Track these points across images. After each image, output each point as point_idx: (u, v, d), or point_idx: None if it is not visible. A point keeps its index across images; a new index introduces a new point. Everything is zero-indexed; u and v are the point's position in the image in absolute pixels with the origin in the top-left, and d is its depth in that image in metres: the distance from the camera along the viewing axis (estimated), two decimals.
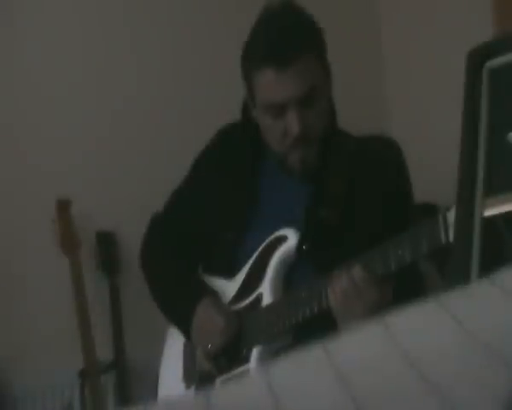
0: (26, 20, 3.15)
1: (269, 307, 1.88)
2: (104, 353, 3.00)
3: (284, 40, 1.80)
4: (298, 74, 1.80)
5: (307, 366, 0.41)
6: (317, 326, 1.73)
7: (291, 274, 1.91)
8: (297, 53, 1.79)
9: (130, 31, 3.30)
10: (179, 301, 2.00)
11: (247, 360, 1.90)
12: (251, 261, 1.94)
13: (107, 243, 3.14)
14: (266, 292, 1.90)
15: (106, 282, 3.12)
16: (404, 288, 1.70)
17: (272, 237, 1.91)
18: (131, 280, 3.04)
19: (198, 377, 2.01)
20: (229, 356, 1.92)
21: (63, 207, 2.96)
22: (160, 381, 2.13)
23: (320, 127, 1.87)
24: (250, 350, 1.89)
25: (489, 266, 1.04)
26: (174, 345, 2.10)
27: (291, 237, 1.88)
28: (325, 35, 1.90)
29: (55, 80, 3.15)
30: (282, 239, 1.89)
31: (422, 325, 0.42)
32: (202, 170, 2.09)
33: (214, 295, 1.98)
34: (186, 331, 1.98)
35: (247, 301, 1.94)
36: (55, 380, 3.00)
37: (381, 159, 1.94)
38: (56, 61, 3.16)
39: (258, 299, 1.91)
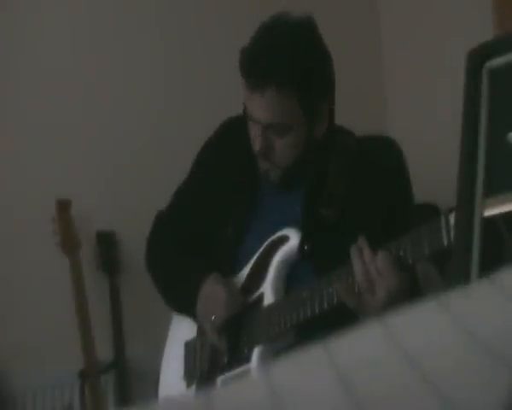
0: (27, 21, 3.15)
1: (270, 306, 1.88)
2: (104, 353, 3.00)
3: (262, 63, 1.77)
4: (267, 103, 1.78)
5: (308, 366, 0.41)
6: (318, 326, 1.73)
7: (291, 274, 1.91)
8: (269, 83, 1.76)
9: (131, 31, 3.30)
10: (184, 284, 1.99)
11: (248, 359, 1.90)
12: (252, 261, 1.95)
13: (107, 243, 3.14)
14: (268, 292, 1.90)
15: (106, 282, 3.12)
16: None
17: (274, 236, 1.91)
18: (131, 280, 3.04)
19: (199, 376, 2.01)
20: (237, 331, 1.92)
21: (63, 207, 2.96)
22: (160, 380, 2.13)
23: (285, 158, 1.85)
24: (251, 350, 1.90)
25: (489, 266, 1.04)
26: (175, 344, 2.10)
27: (293, 237, 1.88)
28: (332, 75, 1.85)
29: (55, 80, 3.15)
30: (284, 239, 1.89)
31: (422, 325, 0.42)
32: (204, 167, 2.09)
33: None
34: (193, 312, 1.98)
35: (249, 301, 1.94)
36: (55, 380, 3.00)
37: (382, 159, 1.94)
38: (57, 62, 3.16)
39: (260, 299, 1.91)
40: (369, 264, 1.65)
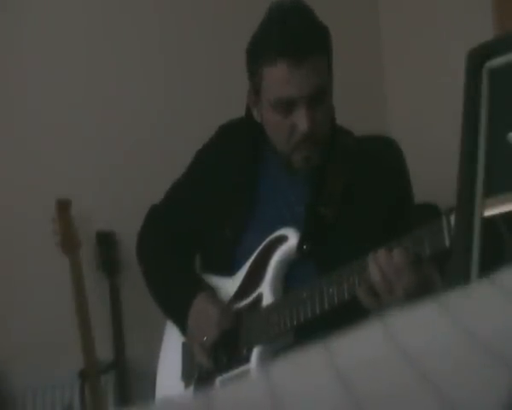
0: (27, 20, 3.15)
1: (269, 306, 1.88)
2: (104, 353, 3.00)
3: (300, 36, 1.80)
4: (311, 72, 1.80)
5: (307, 366, 0.41)
6: (317, 326, 1.73)
7: (292, 274, 1.91)
8: (312, 50, 1.80)
9: (131, 31, 3.30)
10: (176, 297, 2.00)
11: (247, 360, 1.89)
12: (251, 260, 1.94)
13: (107, 243, 3.14)
14: (266, 292, 1.90)
15: (106, 282, 3.12)
16: None
17: (272, 236, 1.91)
18: (131, 280, 3.04)
19: (197, 376, 2.01)
20: (227, 352, 1.92)
21: (63, 207, 2.96)
22: (158, 380, 2.13)
23: (326, 126, 1.88)
24: (250, 350, 1.89)
25: (489, 266, 1.04)
26: (172, 344, 2.09)
27: (291, 237, 1.88)
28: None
29: (56, 80, 3.15)
30: (283, 239, 1.89)
31: (422, 325, 0.42)
32: (202, 166, 2.09)
33: (211, 290, 1.98)
34: (182, 327, 1.98)
35: (248, 301, 1.94)
36: (55, 380, 3.00)
37: (381, 159, 1.95)
38: (57, 61, 3.16)
39: (259, 299, 1.91)
40: (385, 265, 1.64)
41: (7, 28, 3.13)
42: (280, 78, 1.81)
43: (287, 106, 1.82)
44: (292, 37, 1.80)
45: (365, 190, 1.89)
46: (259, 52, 1.85)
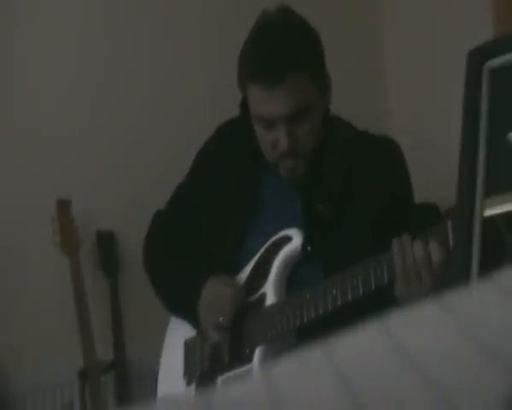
0: (27, 20, 3.15)
1: (272, 307, 1.88)
2: (104, 353, 3.00)
3: (274, 58, 1.78)
4: (287, 93, 1.78)
5: (308, 366, 0.41)
6: (319, 327, 1.73)
7: (297, 274, 1.91)
8: (287, 72, 1.77)
9: (131, 30, 3.30)
10: (184, 288, 1.99)
11: (249, 359, 1.89)
12: (254, 261, 1.94)
13: (107, 243, 3.13)
14: (270, 292, 1.90)
15: (106, 282, 3.11)
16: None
17: (276, 237, 1.90)
18: (131, 280, 3.04)
19: (198, 375, 2.01)
20: (240, 332, 1.91)
21: (63, 207, 2.95)
22: (159, 379, 2.13)
23: (310, 142, 1.86)
24: (253, 350, 1.89)
25: (489, 266, 1.04)
26: (174, 343, 2.10)
27: (295, 238, 1.88)
28: (323, 46, 1.87)
29: (55, 80, 3.15)
30: (287, 239, 1.89)
31: (422, 325, 0.42)
32: (204, 168, 2.09)
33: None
34: (193, 317, 1.97)
35: (251, 301, 1.94)
36: (55, 380, 3.00)
37: (380, 156, 1.94)
38: (56, 61, 3.16)
39: (262, 299, 1.91)
40: (408, 253, 1.59)
41: (7, 27, 3.12)
42: (257, 97, 1.83)
43: (267, 122, 1.84)
44: (267, 59, 1.79)
45: (364, 187, 1.89)
46: (241, 68, 1.86)
